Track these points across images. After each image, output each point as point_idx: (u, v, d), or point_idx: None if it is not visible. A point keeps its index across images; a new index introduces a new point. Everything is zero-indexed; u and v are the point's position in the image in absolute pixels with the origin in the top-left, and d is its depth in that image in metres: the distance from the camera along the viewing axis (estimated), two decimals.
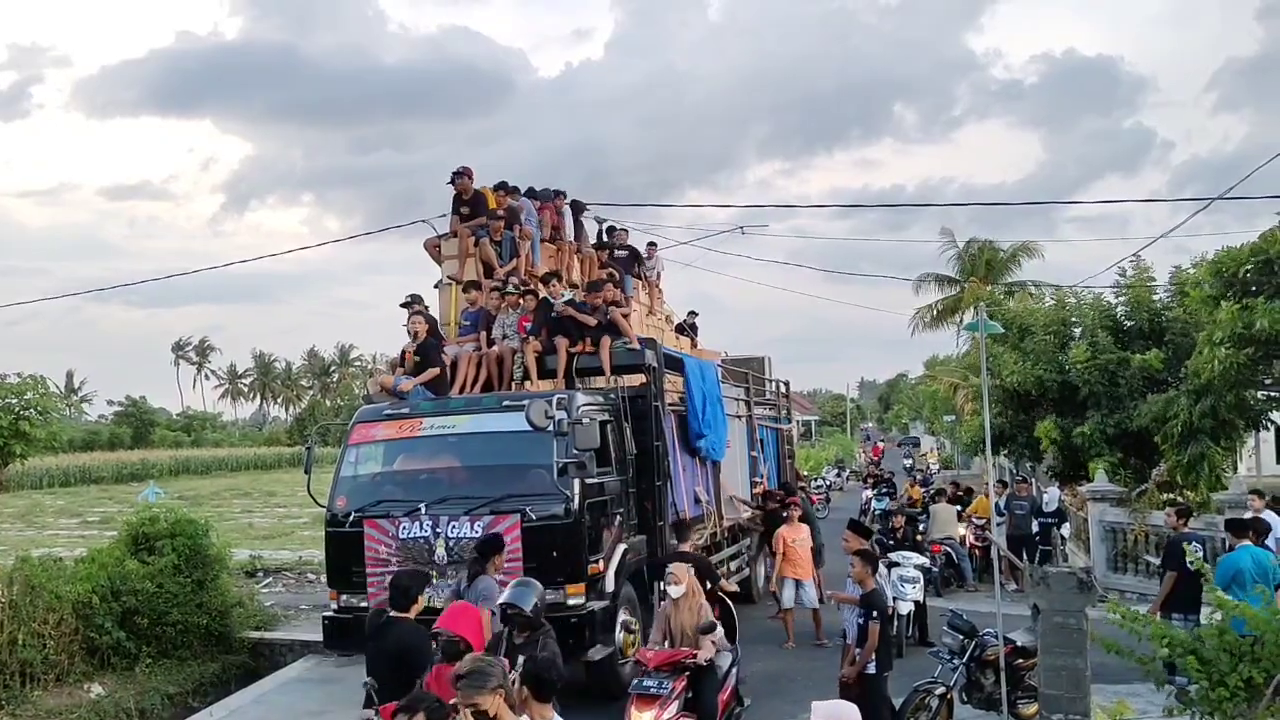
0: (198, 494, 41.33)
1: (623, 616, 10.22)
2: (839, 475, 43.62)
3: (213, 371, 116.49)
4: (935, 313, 38.66)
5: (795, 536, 12.89)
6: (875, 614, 8.05)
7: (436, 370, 10.76)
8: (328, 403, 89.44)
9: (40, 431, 11.70)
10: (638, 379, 11.65)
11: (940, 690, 8.45)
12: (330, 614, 10.30)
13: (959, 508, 20.27)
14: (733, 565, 13.86)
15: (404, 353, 11.21)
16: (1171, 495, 15.49)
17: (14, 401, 11.96)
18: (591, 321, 11.38)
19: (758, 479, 15.69)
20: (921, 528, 17.42)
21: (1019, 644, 8.76)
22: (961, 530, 18.91)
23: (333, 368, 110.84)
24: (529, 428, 9.34)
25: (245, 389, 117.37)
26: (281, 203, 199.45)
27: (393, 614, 6.72)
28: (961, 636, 8.84)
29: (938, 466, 44.85)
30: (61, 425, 13.43)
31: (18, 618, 10.48)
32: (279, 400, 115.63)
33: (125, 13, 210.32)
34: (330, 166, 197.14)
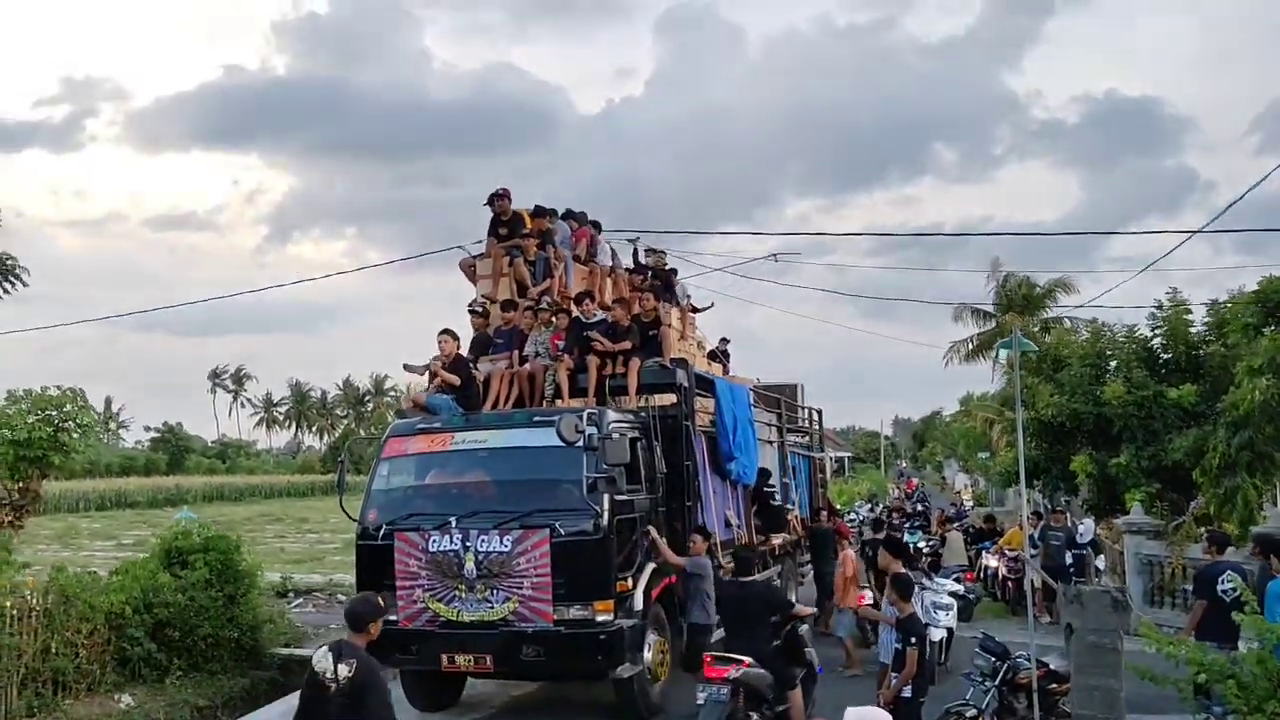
0: (231, 519, 41.48)
1: (652, 636, 10.19)
2: (871, 510, 43.24)
3: (249, 400, 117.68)
4: (971, 346, 38.39)
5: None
6: (914, 640, 7.99)
7: (457, 380, 10.84)
8: (362, 432, 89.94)
9: (79, 443, 11.88)
10: (669, 399, 11.67)
11: (971, 713, 8.33)
12: None
13: (988, 543, 20.14)
14: None
15: (434, 373, 11.28)
16: (1210, 528, 15.24)
17: (53, 414, 12.14)
18: (614, 347, 11.41)
19: (790, 505, 15.61)
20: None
21: (1052, 668, 8.65)
22: (993, 562, 18.76)
23: (367, 397, 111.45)
24: (559, 443, 9.37)
25: (280, 417, 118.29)
26: (324, 235, 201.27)
27: (743, 580, 9.25)
28: (994, 659, 8.72)
29: (971, 503, 44.38)
30: (98, 439, 13.59)
31: (51, 626, 10.57)
32: (314, 429, 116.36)
33: (176, 48, 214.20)
34: (373, 200, 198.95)
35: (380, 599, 6.25)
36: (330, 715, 5.56)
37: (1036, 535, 16.82)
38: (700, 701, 8.15)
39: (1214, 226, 16.23)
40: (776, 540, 14.59)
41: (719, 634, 9.98)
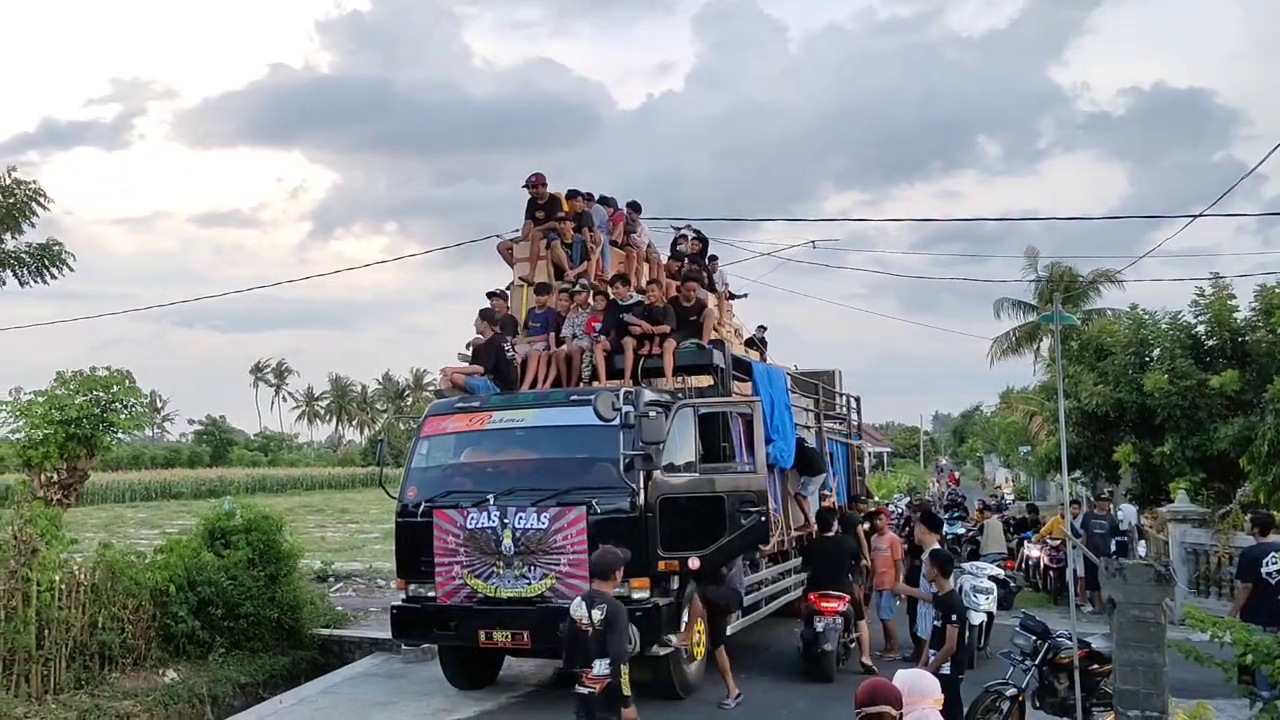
0: (272, 510, 41.94)
1: (688, 616, 10.18)
2: (910, 507, 42.95)
3: (290, 394, 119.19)
4: (1014, 339, 37.93)
5: (876, 546, 12.81)
6: (954, 617, 7.93)
7: (480, 369, 11.08)
8: (401, 425, 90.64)
9: (127, 423, 12.14)
10: (705, 380, 11.65)
11: (1011, 692, 8.25)
12: (399, 604, 10.41)
13: (1029, 532, 19.94)
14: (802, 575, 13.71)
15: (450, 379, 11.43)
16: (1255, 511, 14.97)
17: (101, 395, 12.37)
18: (652, 329, 11.40)
19: (826, 492, 15.50)
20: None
21: (1094, 647, 8.53)
22: (1035, 551, 18.57)
23: (407, 392, 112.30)
24: (596, 421, 9.39)
25: (321, 411, 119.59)
26: (366, 231, 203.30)
27: (828, 535, 11.86)
28: (1034, 637, 8.61)
29: (1013, 497, 44.02)
30: (147, 420, 13.86)
31: (99, 601, 10.73)
32: (354, 423, 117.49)
33: (222, 48, 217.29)
34: (414, 197, 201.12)
35: (621, 550, 7.19)
36: (590, 652, 6.67)
37: (1079, 523, 16.63)
38: (820, 629, 10.92)
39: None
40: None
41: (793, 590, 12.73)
